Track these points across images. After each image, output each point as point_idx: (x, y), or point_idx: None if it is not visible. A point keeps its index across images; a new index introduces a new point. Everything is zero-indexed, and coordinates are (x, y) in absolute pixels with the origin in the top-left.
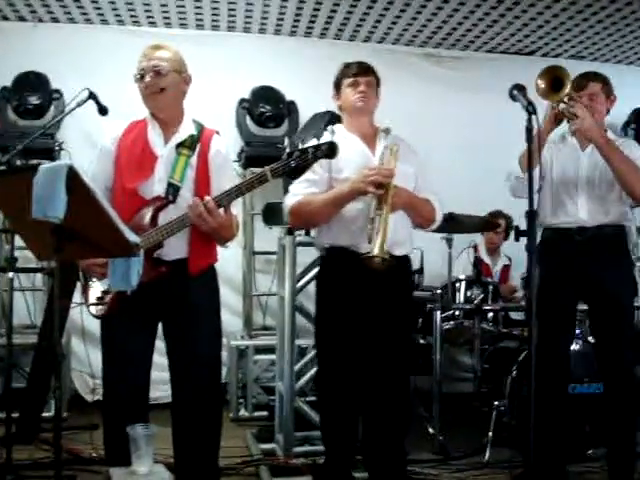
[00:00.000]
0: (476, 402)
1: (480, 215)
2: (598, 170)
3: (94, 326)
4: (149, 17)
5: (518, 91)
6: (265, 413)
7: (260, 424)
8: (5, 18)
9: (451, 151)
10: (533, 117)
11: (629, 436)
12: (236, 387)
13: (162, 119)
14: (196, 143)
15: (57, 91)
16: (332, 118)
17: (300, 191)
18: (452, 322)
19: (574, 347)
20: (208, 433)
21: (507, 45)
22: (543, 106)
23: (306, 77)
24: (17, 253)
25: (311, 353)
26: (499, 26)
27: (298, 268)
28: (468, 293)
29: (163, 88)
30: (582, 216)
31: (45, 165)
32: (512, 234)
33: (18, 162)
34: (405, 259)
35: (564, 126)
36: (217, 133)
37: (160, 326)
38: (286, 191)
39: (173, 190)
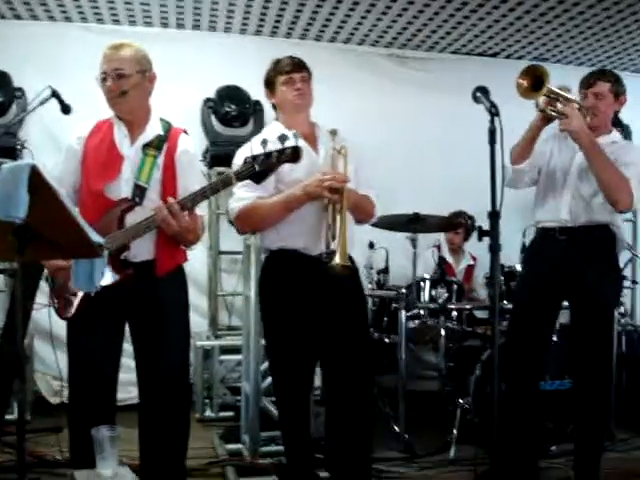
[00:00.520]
0: (441, 400)
1: (444, 215)
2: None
3: (60, 328)
4: (113, 15)
5: (481, 93)
6: (231, 413)
7: (226, 424)
8: None
9: (416, 151)
10: (496, 119)
11: (598, 432)
12: (202, 387)
13: (128, 120)
14: (163, 143)
15: (19, 89)
16: None
17: (246, 195)
18: (417, 321)
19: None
20: (176, 434)
21: (471, 47)
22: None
23: None
24: None
25: None
26: (463, 28)
27: None
28: (433, 292)
29: (125, 91)
30: (563, 216)
31: (7, 164)
32: (474, 234)
33: None
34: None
35: None
36: (185, 132)
37: (127, 328)
38: None
39: (140, 192)
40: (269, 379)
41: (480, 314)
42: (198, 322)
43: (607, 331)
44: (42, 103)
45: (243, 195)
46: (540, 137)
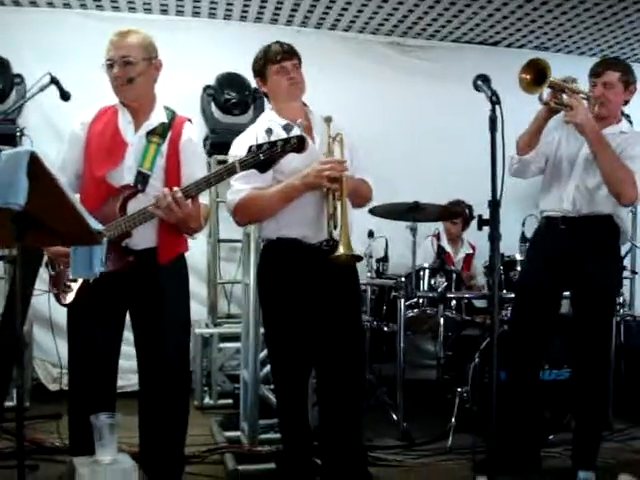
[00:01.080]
0: (439, 389)
1: (444, 204)
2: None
3: (60, 315)
4: (113, 1)
5: (482, 81)
6: (230, 401)
7: (225, 412)
8: None
9: (416, 139)
10: (497, 107)
11: (596, 421)
12: (201, 375)
13: (133, 107)
14: (167, 131)
15: (18, 76)
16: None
17: (244, 187)
18: (416, 310)
19: None
20: (175, 421)
21: (472, 35)
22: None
23: None
24: None
25: None
26: (464, 16)
27: None
28: (432, 281)
29: (132, 78)
30: (566, 206)
31: (6, 151)
32: (473, 223)
33: None
34: None
35: None
36: (189, 121)
37: (128, 315)
38: None
39: (142, 179)
40: (268, 367)
41: (479, 303)
42: (197, 310)
43: (607, 321)
44: (41, 90)
45: (241, 187)
46: (548, 124)
